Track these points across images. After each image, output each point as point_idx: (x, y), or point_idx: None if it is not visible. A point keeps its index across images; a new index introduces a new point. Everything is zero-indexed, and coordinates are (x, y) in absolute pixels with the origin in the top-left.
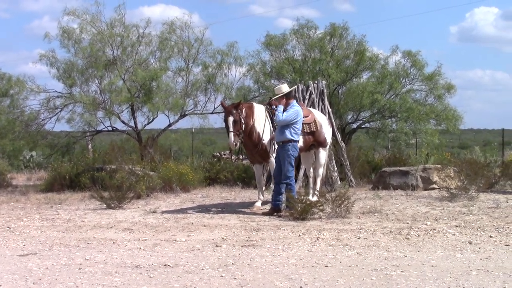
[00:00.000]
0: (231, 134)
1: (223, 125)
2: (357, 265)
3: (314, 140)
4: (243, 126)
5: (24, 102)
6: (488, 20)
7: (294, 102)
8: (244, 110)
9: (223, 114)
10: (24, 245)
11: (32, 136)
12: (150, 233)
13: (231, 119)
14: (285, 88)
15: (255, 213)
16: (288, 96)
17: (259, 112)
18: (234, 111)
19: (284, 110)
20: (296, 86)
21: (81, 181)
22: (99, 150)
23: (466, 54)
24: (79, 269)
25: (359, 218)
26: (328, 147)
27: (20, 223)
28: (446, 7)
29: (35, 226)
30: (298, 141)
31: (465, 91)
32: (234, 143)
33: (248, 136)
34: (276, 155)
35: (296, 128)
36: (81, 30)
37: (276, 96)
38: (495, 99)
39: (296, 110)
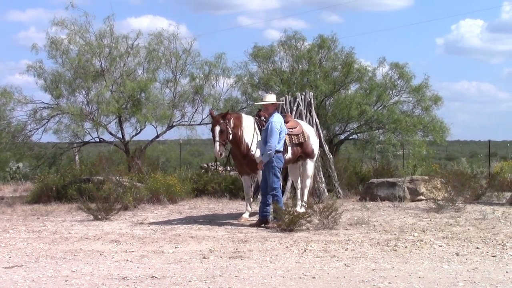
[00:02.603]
0: (217, 144)
1: (211, 135)
2: (344, 277)
3: (302, 152)
4: (230, 136)
5: (11, 113)
6: (473, 32)
7: (275, 113)
8: (232, 121)
9: (211, 124)
10: (10, 257)
11: (18, 147)
12: (137, 244)
13: (217, 128)
14: (269, 98)
15: (242, 225)
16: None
17: (248, 123)
18: (221, 121)
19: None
20: (283, 98)
21: (68, 192)
22: (86, 161)
23: (453, 66)
24: (66, 281)
25: (347, 229)
26: (315, 158)
27: (6, 235)
28: (432, 20)
29: (21, 238)
30: (281, 151)
31: (451, 103)
32: (219, 153)
33: (237, 146)
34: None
35: (279, 138)
36: (69, 41)
37: (262, 102)
38: (481, 111)
39: (274, 124)
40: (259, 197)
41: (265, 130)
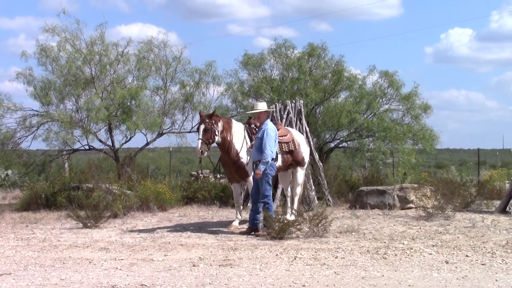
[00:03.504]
0: (199, 142)
1: None
2: (334, 285)
3: (292, 160)
4: (216, 137)
5: (0, 121)
6: (462, 41)
7: (267, 121)
8: (220, 123)
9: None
10: None
11: (7, 154)
12: (127, 252)
13: (202, 126)
14: (261, 106)
15: (232, 232)
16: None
17: (238, 128)
18: (207, 120)
19: (258, 128)
20: (273, 105)
21: (57, 200)
22: (76, 169)
23: (442, 75)
24: None
25: (337, 237)
26: (306, 166)
27: None
28: (421, 29)
29: (10, 246)
30: (274, 159)
31: (441, 111)
32: (200, 150)
33: (226, 152)
34: (253, 174)
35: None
36: (59, 48)
37: (253, 111)
38: (470, 119)
39: (269, 131)
40: (249, 204)
41: (260, 138)
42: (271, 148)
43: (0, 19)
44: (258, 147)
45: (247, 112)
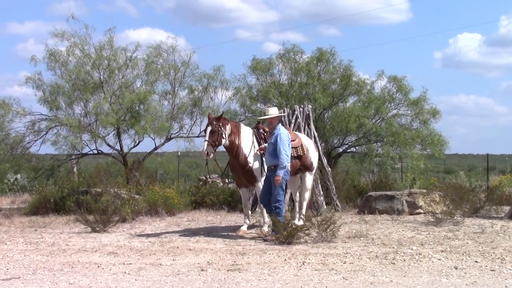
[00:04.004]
0: (205, 143)
1: None
2: None
3: (300, 164)
4: (222, 140)
5: (9, 125)
6: (471, 46)
7: (279, 125)
8: (228, 127)
9: None
10: (8, 269)
11: (17, 159)
12: (135, 257)
13: (209, 128)
14: (273, 111)
15: (241, 237)
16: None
17: (246, 133)
18: (214, 122)
19: (265, 132)
20: (282, 110)
21: (66, 204)
22: (84, 173)
23: (450, 80)
24: None
25: (345, 242)
26: (314, 171)
27: (4, 246)
28: (430, 33)
29: (19, 250)
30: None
31: (449, 116)
32: (206, 152)
33: (235, 156)
34: (266, 179)
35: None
36: (68, 53)
37: (265, 117)
38: (479, 124)
39: (282, 136)
40: (258, 209)
41: (273, 143)
42: (286, 153)
43: (10, 24)
44: (271, 153)
45: (259, 118)
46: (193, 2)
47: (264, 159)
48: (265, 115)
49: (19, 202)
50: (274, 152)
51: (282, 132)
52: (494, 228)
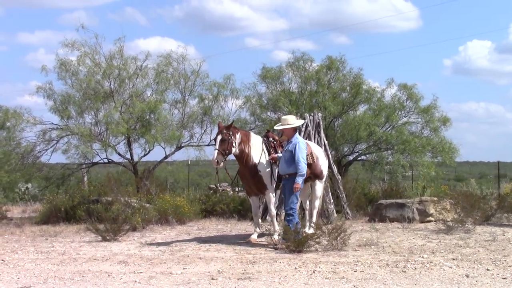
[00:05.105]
0: (215, 152)
1: None
2: None
3: (310, 173)
4: (233, 149)
5: (21, 134)
6: (481, 53)
7: (296, 134)
8: (238, 135)
9: None
10: (19, 278)
11: (27, 168)
12: (146, 265)
13: (219, 137)
14: (292, 119)
15: (252, 245)
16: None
17: (256, 141)
18: (224, 131)
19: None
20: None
21: (77, 213)
22: (95, 182)
23: (460, 87)
24: None
25: (356, 250)
26: (324, 179)
27: (15, 255)
28: (440, 41)
29: (30, 259)
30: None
31: (459, 124)
32: (216, 161)
33: (245, 165)
34: (282, 187)
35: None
36: (78, 62)
37: (286, 126)
38: (489, 132)
39: (301, 145)
40: (268, 218)
41: (290, 151)
42: (304, 161)
43: (20, 34)
44: (287, 160)
45: (275, 127)
46: (203, 11)
47: (273, 167)
48: (283, 125)
49: (30, 211)
50: (291, 160)
51: (301, 141)
52: (505, 236)
